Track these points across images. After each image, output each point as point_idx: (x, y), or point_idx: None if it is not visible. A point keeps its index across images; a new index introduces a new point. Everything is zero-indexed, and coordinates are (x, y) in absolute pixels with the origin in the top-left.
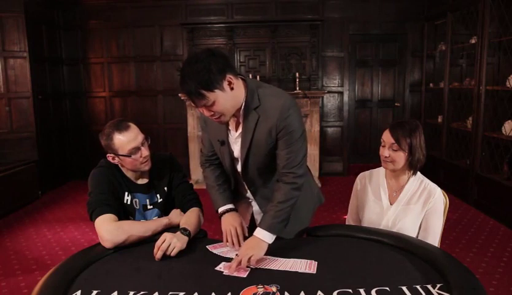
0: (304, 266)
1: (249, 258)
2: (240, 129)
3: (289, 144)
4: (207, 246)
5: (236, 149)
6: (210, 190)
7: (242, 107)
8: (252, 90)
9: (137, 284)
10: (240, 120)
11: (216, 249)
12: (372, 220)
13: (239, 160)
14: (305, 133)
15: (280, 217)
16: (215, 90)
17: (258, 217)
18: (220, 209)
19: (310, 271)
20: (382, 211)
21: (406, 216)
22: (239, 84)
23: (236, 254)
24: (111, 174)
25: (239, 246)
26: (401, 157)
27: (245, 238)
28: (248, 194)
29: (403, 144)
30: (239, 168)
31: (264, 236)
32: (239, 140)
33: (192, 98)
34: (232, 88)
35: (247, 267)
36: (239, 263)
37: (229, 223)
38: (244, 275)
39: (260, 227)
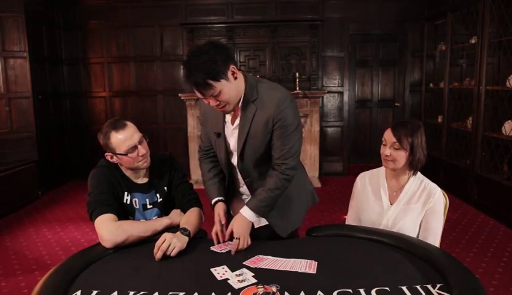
0: (304, 266)
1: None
2: (237, 122)
3: (284, 136)
4: (211, 248)
5: (232, 141)
6: (204, 184)
7: (241, 100)
8: (251, 83)
9: (137, 284)
10: (238, 112)
11: (220, 249)
12: (373, 220)
13: (235, 151)
14: (300, 126)
15: (267, 202)
16: (221, 80)
17: None
18: (212, 202)
19: (310, 271)
20: (383, 211)
21: (406, 216)
22: (240, 75)
23: (236, 238)
24: (111, 174)
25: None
26: (402, 156)
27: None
28: (242, 189)
29: (404, 143)
30: (234, 161)
31: (249, 215)
32: (236, 132)
33: (200, 88)
34: (235, 78)
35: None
36: (236, 244)
37: (216, 211)
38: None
39: (247, 206)
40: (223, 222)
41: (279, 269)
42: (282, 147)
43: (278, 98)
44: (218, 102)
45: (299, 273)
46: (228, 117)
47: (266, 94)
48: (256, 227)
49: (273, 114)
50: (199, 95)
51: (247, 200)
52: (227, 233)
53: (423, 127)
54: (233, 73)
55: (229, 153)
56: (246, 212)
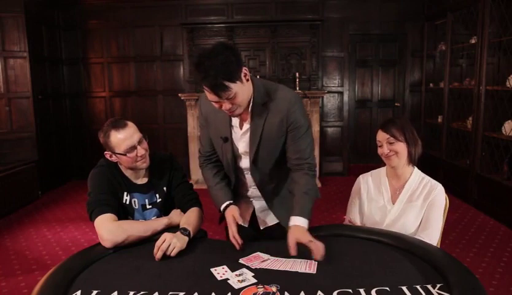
0: (304, 266)
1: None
2: (246, 126)
3: (299, 136)
4: (240, 260)
5: (242, 146)
6: (210, 190)
7: (251, 103)
8: (258, 86)
9: (137, 284)
10: (247, 116)
11: (251, 262)
12: (375, 220)
13: (245, 155)
14: (311, 124)
15: (310, 203)
16: (237, 82)
17: (260, 215)
18: (222, 207)
19: (310, 271)
20: (385, 210)
21: (409, 213)
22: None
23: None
24: (110, 174)
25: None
26: (402, 147)
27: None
28: (249, 193)
29: (398, 136)
30: (243, 164)
31: (302, 222)
32: (246, 136)
33: (217, 90)
34: (247, 80)
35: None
36: (317, 248)
37: (229, 214)
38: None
39: (296, 216)
40: (240, 222)
41: (279, 269)
42: (299, 147)
43: (289, 99)
44: (231, 106)
45: (299, 273)
46: (236, 121)
47: (276, 96)
48: (262, 228)
49: (286, 115)
50: (212, 98)
51: (254, 202)
52: (292, 248)
53: (409, 120)
54: (245, 75)
55: (236, 157)
56: (298, 221)
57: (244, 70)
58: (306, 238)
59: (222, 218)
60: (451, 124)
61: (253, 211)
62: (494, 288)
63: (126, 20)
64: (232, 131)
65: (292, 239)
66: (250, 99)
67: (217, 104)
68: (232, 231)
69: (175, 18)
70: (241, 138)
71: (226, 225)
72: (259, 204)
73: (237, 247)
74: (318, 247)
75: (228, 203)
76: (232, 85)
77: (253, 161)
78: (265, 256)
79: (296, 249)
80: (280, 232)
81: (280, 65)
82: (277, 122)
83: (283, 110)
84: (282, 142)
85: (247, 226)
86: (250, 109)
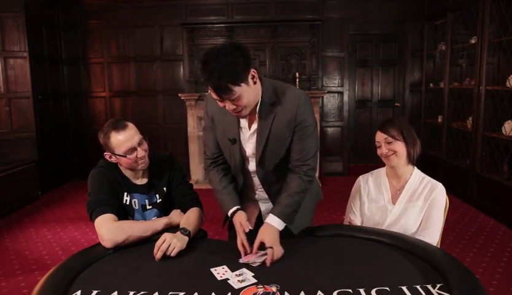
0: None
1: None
2: (254, 127)
3: (305, 137)
4: (239, 260)
5: (249, 147)
6: (216, 194)
7: (259, 104)
8: (267, 86)
9: (137, 284)
10: (255, 117)
11: (250, 260)
12: (376, 220)
13: (252, 157)
14: (317, 126)
15: (293, 207)
16: (242, 84)
17: (266, 217)
18: (230, 212)
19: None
20: (386, 210)
21: (410, 213)
22: (258, 79)
23: (270, 247)
24: (110, 174)
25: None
26: (400, 146)
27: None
28: (257, 196)
29: (396, 135)
30: (250, 167)
31: (277, 223)
32: (253, 137)
33: (219, 92)
34: (255, 82)
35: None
36: (271, 254)
37: (237, 220)
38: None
39: (273, 214)
40: (247, 230)
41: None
42: (302, 148)
43: (298, 98)
44: (235, 107)
45: (298, 273)
46: (244, 123)
47: (285, 96)
48: None
49: (295, 114)
50: (215, 97)
51: (260, 204)
52: (255, 245)
53: (407, 120)
54: (253, 77)
55: (244, 159)
56: (273, 221)
57: (252, 72)
58: (269, 242)
59: (226, 220)
60: (451, 124)
61: (259, 213)
62: (494, 288)
63: (126, 20)
64: (241, 133)
65: (258, 238)
66: (259, 99)
67: (221, 104)
68: (242, 239)
69: (175, 18)
70: (249, 139)
71: (229, 226)
72: (265, 206)
73: (242, 254)
74: (272, 254)
75: (235, 208)
76: (236, 88)
77: (259, 162)
78: (263, 252)
79: (257, 247)
80: (285, 232)
81: (280, 65)
82: (285, 122)
83: (292, 110)
84: (289, 142)
85: (252, 228)
86: (258, 109)
